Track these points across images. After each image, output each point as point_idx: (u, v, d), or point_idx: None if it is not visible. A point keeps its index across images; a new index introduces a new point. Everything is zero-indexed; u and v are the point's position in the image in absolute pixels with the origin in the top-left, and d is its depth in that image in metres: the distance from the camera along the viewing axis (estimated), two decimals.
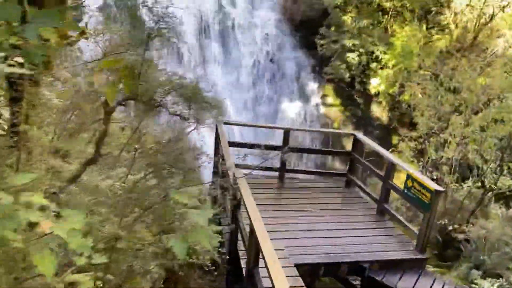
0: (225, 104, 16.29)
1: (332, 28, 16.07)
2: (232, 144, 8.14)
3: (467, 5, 16.22)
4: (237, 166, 9.41)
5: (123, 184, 3.86)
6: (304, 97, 17.22)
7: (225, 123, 8.42)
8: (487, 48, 15.76)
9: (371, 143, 8.50)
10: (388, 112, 17.23)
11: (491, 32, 16.23)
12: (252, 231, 5.13)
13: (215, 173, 8.67)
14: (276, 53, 17.68)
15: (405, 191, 7.59)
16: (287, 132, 8.64)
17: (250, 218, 5.31)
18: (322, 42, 16.14)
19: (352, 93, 17.08)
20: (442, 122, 9.72)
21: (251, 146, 10.07)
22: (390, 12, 16.13)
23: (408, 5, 15.75)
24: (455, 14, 16.48)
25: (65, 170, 3.52)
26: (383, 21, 16.30)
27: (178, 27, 16.66)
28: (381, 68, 16.28)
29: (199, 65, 17.09)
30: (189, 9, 17.09)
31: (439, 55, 15.77)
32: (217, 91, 16.85)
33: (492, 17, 15.76)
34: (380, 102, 17.10)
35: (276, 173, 9.13)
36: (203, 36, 17.23)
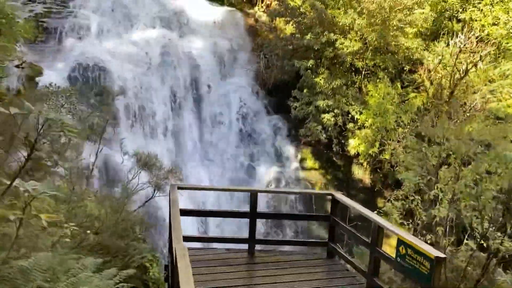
0: (199, 173, 14.90)
1: (305, 90, 15.17)
2: (186, 212, 6.60)
3: (440, 62, 15.67)
4: (192, 239, 7.81)
5: None
6: (282, 161, 15.93)
7: (180, 188, 6.93)
8: (465, 103, 14.96)
9: (352, 203, 7.04)
10: (371, 173, 15.96)
11: (467, 87, 15.55)
12: None
13: (170, 249, 7.05)
14: (251, 119, 16.67)
15: (398, 260, 6.02)
16: (254, 195, 7.15)
17: None
18: (295, 104, 15.17)
19: (331, 155, 15.87)
20: (431, 176, 8.38)
21: (210, 213, 8.60)
22: (363, 72, 15.42)
23: (381, 64, 15.07)
24: (429, 71, 15.88)
25: None
26: (356, 81, 15.53)
27: (150, 103, 15.84)
28: (359, 128, 15.24)
29: (172, 135, 15.98)
30: (163, 85, 16.36)
31: (416, 112, 14.89)
32: (192, 161, 15.62)
33: (466, 72, 15.11)
34: (361, 164, 15.88)
35: (245, 246, 7.50)
36: (177, 107, 16.30)
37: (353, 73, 15.58)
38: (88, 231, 6.81)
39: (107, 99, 11.88)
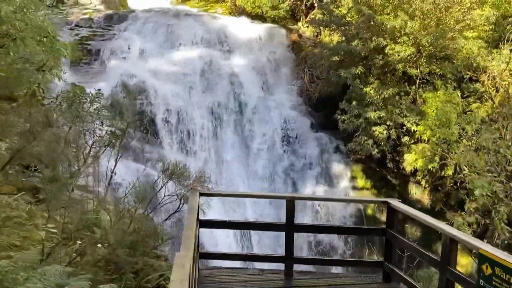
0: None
1: (354, 102, 13.73)
2: (206, 224, 5.37)
3: (506, 67, 13.76)
4: (217, 256, 6.51)
5: None
6: (330, 180, 14.40)
7: (202, 195, 5.73)
8: None
9: (413, 212, 5.50)
10: (430, 193, 14.03)
11: None
12: None
13: None
14: (295, 136, 15.44)
15: (481, 283, 4.42)
16: (290, 202, 5.80)
17: None
18: (343, 117, 13.73)
19: (384, 173, 14.15)
20: None
21: (239, 225, 7.22)
22: (418, 81, 13.79)
23: (437, 71, 13.40)
24: (493, 78, 13.98)
25: None
26: (410, 91, 13.89)
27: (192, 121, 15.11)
28: (415, 142, 13.49)
29: (213, 153, 15.05)
30: (204, 103, 15.62)
31: (481, 123, 12.98)
32: (233, 179, 14.58)
33: None
34: (419, 182, 14.01)
35: (281, 265, 6.10)
36: (219, 125, 15.43)
37: (405, 82, 14.00)
38: (99, 245, 5.77)
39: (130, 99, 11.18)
